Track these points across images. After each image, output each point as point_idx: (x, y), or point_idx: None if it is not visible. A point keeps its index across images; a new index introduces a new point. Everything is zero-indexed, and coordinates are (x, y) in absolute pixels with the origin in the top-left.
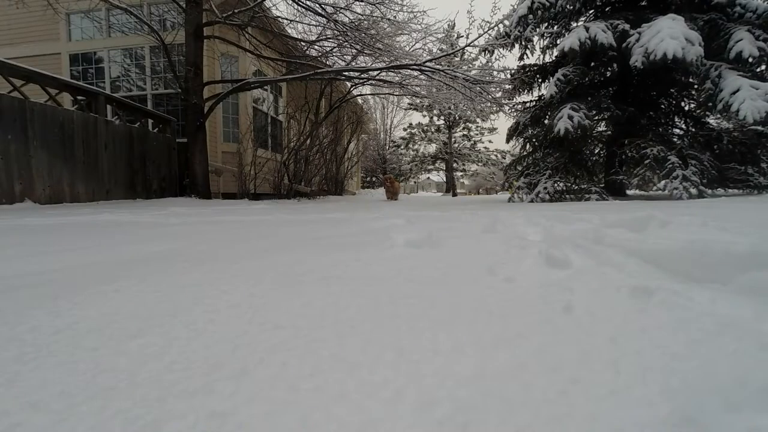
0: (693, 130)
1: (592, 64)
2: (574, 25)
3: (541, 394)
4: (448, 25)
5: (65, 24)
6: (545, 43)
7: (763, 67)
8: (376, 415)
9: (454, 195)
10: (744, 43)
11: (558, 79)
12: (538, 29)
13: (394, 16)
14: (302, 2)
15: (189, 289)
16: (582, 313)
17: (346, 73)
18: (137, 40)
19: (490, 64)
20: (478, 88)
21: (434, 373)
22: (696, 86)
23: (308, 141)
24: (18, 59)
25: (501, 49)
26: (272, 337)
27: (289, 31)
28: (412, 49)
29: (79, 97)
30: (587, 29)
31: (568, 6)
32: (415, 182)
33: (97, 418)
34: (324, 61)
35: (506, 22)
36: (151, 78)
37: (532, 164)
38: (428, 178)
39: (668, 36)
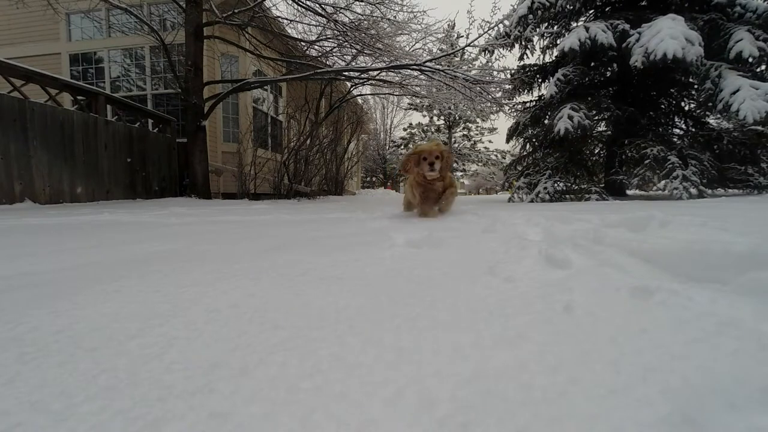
0: (693, 130)
1: (592, 64)
2: (574, 25)
3: (541, 394)
4: (448, 25)
5: (65, 24)
6: (545, 43)
7: (763, 67)
8: (376, 415)
9: None
10: (744, 43)
11: (558, 79)
12: (538, 29)
13: (394, 16)
14: (302, 2)
15: (189, 289)
16: (582, 313)
17: (346, 73)
18: (137, 40)
19: (490, 64)
20: (478, 88)
21: (434, 373)
22: (696, 86)
23: (308, 141)
24: (18, 59)
25: (501, 49)
26: (272, 337)
27: (289, 31)
28: (412, 49)
29: (79, 97)
30: (587, 29)
31: (568, 6)
32: None
33: (97, 418)
34: (324, 61)
35: (506, 22)
36: (151, 78)
37: (532, 164)
38: None
39: (668, 36)
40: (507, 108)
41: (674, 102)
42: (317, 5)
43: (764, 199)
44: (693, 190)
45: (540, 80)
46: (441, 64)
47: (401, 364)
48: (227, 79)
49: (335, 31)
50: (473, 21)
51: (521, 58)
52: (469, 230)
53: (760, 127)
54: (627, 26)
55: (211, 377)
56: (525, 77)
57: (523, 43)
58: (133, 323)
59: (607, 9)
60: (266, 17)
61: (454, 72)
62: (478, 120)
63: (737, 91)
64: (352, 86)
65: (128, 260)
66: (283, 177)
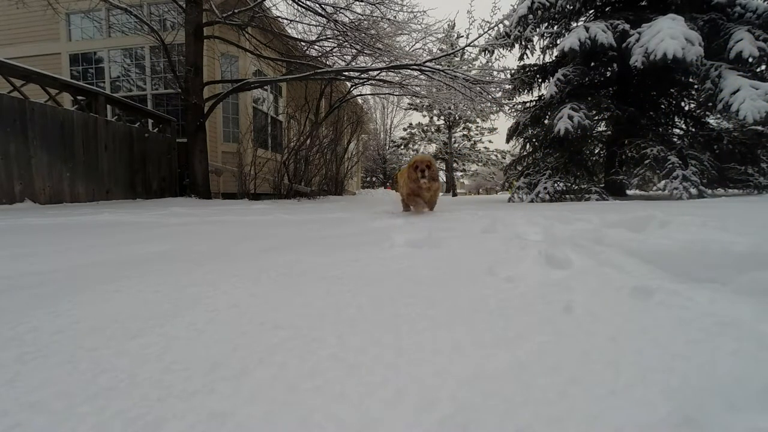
0: (693, 130)
1: (592, 64)
2: (574, 25)
3: (541, 394)
4: (448, 25)
5: (65, 24)
6: (545, 43)
7: (763, 67)
8: (376, 415)
9: (454, 195)
10: (744, 43)
11: (558, 79)
12: (538, 29)
13: (394, 16)
14: (302, 2)
15: (189, 289)
16: (582, 313)
17: (346, 73)
18: (137, 40)
19: (490, 64)
20: (478, 88)
21: (434, 373)
22: (696, 86)
23: (308, 141)
24: (18, 59)
25: (501, 49)
26: (272, 337)
27: (289, 31)
28: (412, 49)
29: (79, 97)
30: (587, 29)
31: (568, 6)
32: None
33: (97, 418)
34: (324, 61)
35: (506, 22)
36: (151, 78)
37: (532, 164)
38: None
39: (668, 36)
40: (507, 108)
41: (674, 102)
42: (317, 5)
43: (764, 199)
44: (693, 190)
45: (540, 80)
46: (441, 64)
47: (401, 364)
48: (227, 79)
49: (335, 31)
50: (473, 21)
51: (521, 58)
52: (469, 230)
53: (760, 127)
54: (627, 26)
55: (211, 377)
56: (525, 77)
57: (523, 43)
58: (133, 323)
59: (607, 9)
60: (266, 17)
61: (454, 72)
62: (478, 120)
63: (737, 91)
64: (352, 86)
65: (128, 260)
66: (283, 177)
